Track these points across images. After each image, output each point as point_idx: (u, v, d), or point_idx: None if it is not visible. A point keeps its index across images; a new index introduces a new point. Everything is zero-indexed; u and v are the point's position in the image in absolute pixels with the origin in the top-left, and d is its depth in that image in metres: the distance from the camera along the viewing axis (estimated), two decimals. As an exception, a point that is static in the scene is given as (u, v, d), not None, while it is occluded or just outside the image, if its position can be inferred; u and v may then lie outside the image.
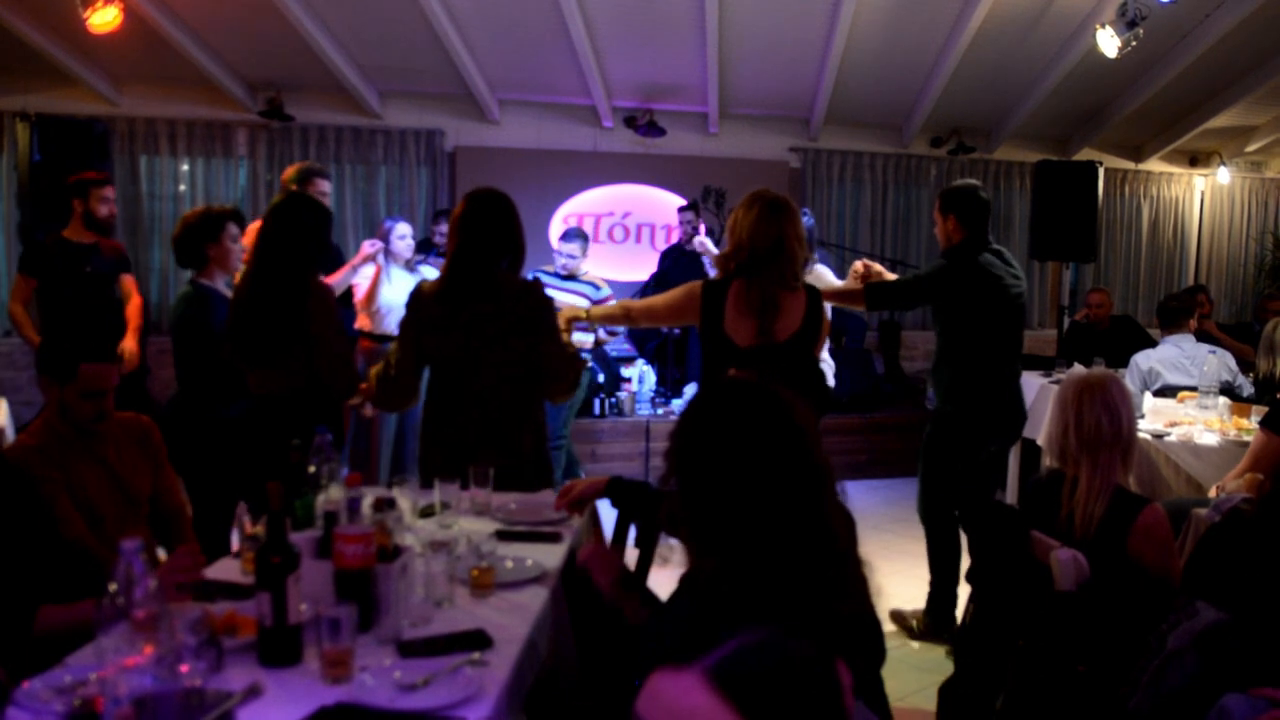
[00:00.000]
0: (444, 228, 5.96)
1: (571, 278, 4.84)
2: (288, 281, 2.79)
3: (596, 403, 5.85)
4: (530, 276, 2.93)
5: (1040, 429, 4.29)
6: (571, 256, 4.83)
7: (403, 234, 4.56)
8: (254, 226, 3.74)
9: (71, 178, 4.22)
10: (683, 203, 6.35)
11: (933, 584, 3.54)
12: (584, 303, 4.48)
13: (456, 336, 2.62)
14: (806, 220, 3.52)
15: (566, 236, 4.94)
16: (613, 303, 3.50)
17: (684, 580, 1.65)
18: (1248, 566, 1.95)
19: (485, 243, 2.63)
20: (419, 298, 2.68)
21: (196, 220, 3.19)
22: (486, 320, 2.61)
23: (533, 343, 2.63)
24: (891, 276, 3.62)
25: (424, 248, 5.78)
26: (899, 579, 3.87)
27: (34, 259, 4.20)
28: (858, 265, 3.65)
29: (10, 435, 3.95)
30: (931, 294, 3.49)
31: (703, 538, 1.44)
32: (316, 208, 3.01)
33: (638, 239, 7.10)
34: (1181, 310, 4.57)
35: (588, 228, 6.96)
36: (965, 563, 2.40)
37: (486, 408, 2.63)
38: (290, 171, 4.04)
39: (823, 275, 4.08)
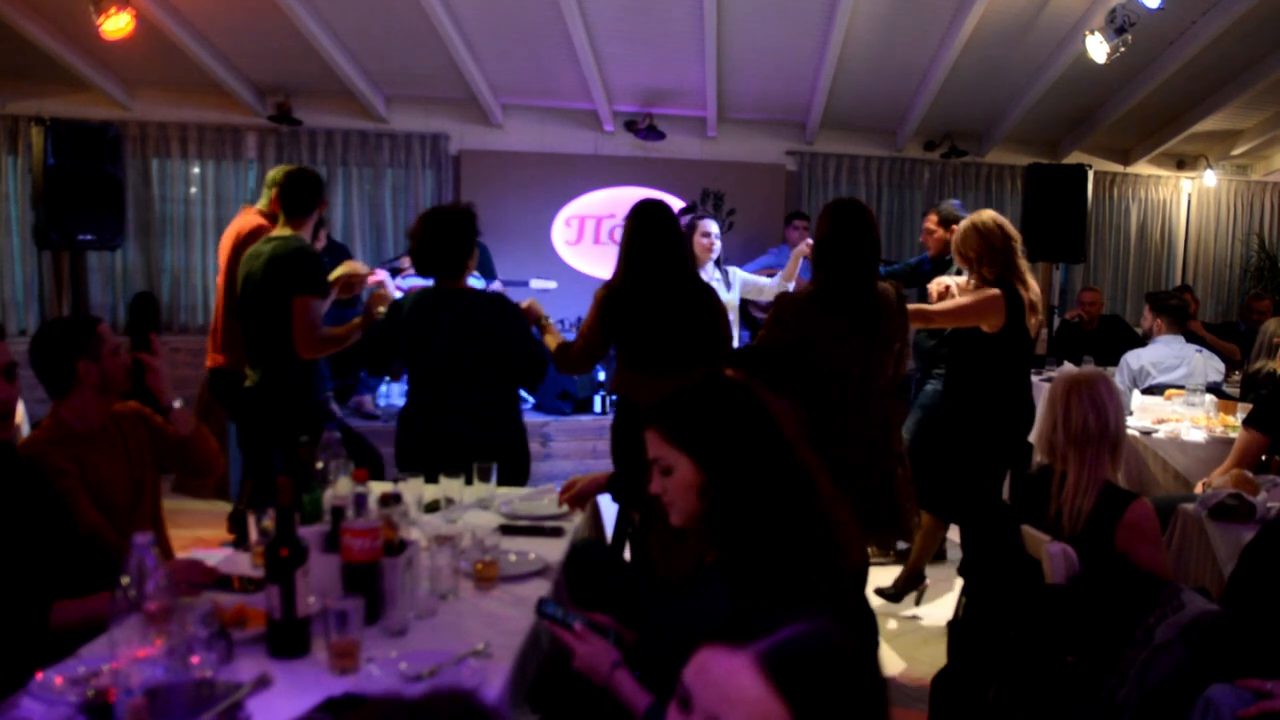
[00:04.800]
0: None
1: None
2: (689, 287, 2.88)
3: (597, 400, 5.88)
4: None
5: (1032, 426, 4.33)
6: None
7: None
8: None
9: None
10: (682, 204, 6.37)
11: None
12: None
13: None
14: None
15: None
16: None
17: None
18: None
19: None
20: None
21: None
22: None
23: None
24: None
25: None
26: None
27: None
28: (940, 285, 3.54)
29: (27, 432, 3.95)
30: None
31: (719, 529, 1.49)
32: (667, 211, 2.98)
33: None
34: (1184, 309, 4.73)
35: (589, 229, 6.98)
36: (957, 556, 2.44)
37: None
38: (275, 173, 3.98)
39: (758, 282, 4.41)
